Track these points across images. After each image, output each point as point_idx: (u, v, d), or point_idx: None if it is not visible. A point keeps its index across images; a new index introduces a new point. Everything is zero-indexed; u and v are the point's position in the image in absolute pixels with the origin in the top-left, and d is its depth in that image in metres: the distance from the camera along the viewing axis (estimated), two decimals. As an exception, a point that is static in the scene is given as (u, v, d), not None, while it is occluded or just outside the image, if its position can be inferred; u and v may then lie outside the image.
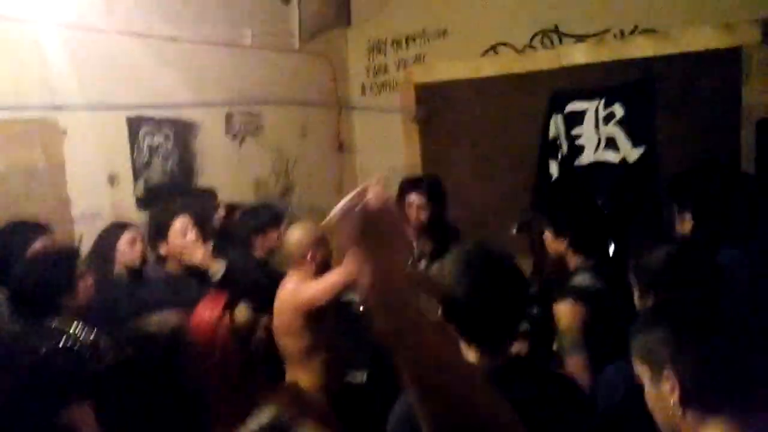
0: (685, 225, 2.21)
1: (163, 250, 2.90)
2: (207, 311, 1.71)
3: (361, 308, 3.19)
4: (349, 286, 2.50)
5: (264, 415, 0.97)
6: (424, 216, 3.19)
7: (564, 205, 2.34)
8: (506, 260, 1.46)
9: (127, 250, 2.87)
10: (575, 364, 1.95)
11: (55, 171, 3.11)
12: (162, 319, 1.37)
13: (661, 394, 1.06)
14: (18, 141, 2.96)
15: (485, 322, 1.38)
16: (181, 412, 1.28)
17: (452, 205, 4.47)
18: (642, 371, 1.11)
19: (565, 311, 1.99)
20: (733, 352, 1.04)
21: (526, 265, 2.89)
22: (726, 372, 1.03)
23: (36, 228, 2.70)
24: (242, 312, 1.75)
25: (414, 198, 3.20)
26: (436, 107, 4.79)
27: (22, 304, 2.14)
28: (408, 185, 3.25)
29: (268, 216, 3.22)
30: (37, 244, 2.60)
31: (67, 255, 2.38)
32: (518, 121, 4.46)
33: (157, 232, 2.92)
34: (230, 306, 1.74)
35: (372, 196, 0.75)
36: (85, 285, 2.31)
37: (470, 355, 1.40)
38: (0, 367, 1.79)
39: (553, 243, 2.21)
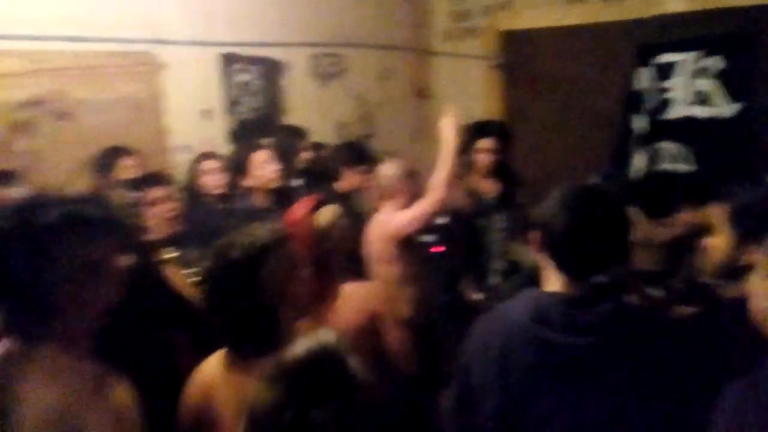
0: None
1: (247, 182, 3.02)
2: (297, 209, 1.90)
3: (437, 249, 3.29)
4: (434, 214, 2.60)
5: (315, 339, 0.96)
6: (492, 160, 3.23)
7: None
8: (610, 197, 1.46)
9: (209, 179, 3.03)
10: None
11: (155, 103, 3.30)
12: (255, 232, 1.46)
13: None
14: (123, 73, 3.15)
15: (579, 254, 1.41)
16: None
17: (529, 155, 4.45)
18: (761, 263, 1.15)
19: None
20: None
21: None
22: None
23: (124, 151, 2.91)
24: (324, 213, 1.92)
25: (484, 142, 3.23)
26: (520, 55, 4.70)
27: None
28: (479, 130, 3.27)
29: (359, 152, 3.31)
30: (121, 164, 2.84)
31: (143, 180, 2.48)
32: (603, 73, 4.33)
33: (239, 165, 3.05)
34: (317, 208, 1.91)
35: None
36: (163, 208, 2.38)
37: (557, 279, 1.45)
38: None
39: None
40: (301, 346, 0.92)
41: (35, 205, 1.20)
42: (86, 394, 1.14)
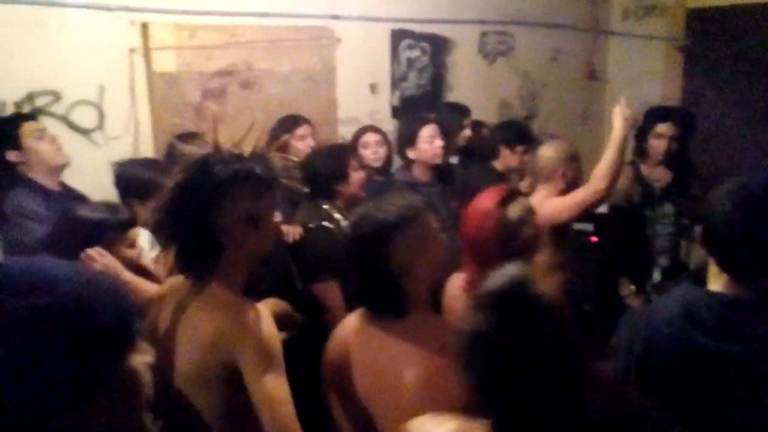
0: None
1: (411, 155, 3.11)
2: (486, 200, 1.82)
3: (594, 239, 3.16)
4: (592, 205, 2.50)
5: (504, 273, 1.02)
6: (670, 147, 3.04)
7: None
8: None
9: (369, 151, 3.15)
10: None
11: (328, 76, 3.50)
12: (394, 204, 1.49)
13: None
14: (301, 46, 3.37)
15: (742, 253, 1.28)
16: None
17: (709, 145, 4.08)
18: None
19: None
20: None
21: None
22: None
23: (301, 120, 3.09)
24: (515, 207, 1.83)
25: (664, 128, 3.05)
26: (708, 36, 4.30)
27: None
28: (659, 114, 3.09)
29: (521, 132, 3.27)
30: (299, 132, 3.03)
31: (342, 149, 2.69)
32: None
33: (407, 138, 3.13)
34: (507, 200, 1.84)
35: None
36: (358, 176, 2.59)
37: (720, 279, 1.34)
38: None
39: None
40: (494, 279, 1.03)
41: (213, 161, 1.37)
42: (240, 327, 1.29)
